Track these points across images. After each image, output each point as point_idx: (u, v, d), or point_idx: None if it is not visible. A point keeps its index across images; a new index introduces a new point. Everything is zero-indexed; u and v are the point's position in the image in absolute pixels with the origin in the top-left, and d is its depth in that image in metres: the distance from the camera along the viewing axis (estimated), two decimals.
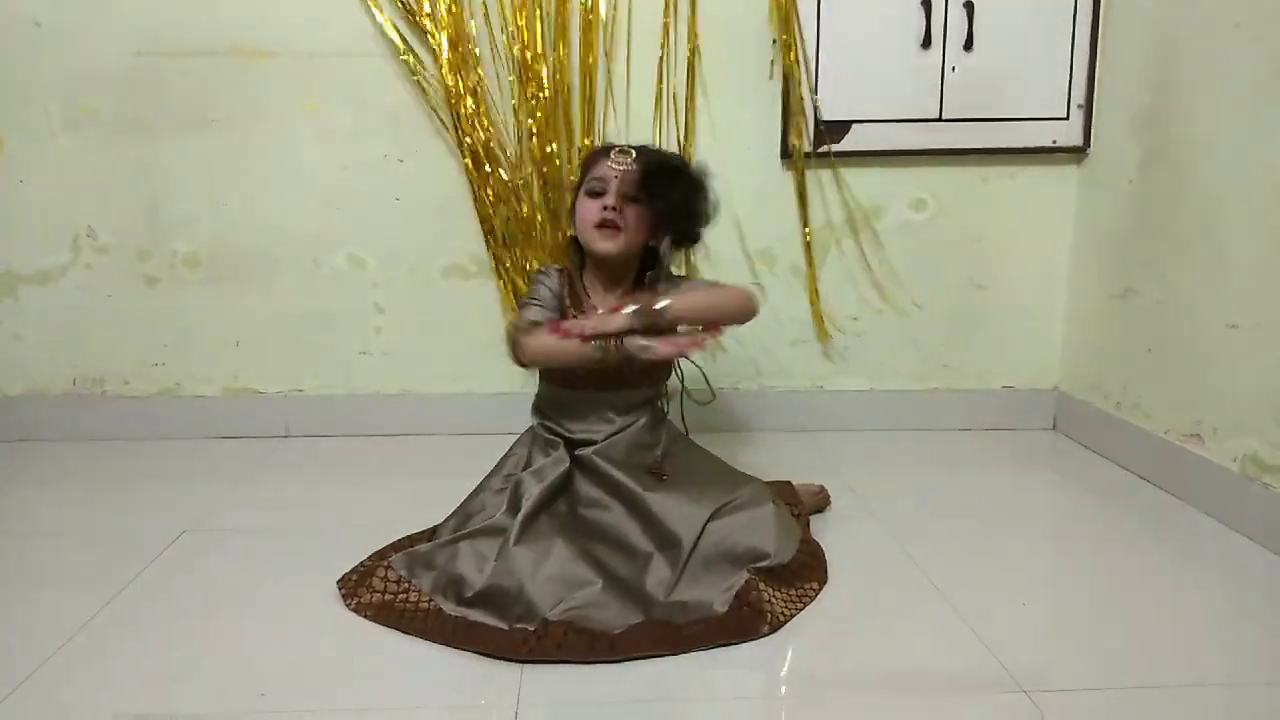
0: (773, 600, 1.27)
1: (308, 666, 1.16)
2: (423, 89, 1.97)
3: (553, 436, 1.48)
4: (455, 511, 1.47)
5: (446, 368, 2.12)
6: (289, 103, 1.99)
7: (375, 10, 1.95)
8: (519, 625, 1.20)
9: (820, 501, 1.65)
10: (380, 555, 1.41)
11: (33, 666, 1.15)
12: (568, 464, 1.42)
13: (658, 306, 1.33)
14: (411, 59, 1.96)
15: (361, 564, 1.39)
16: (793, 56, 1.95)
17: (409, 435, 2.11)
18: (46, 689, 1.11)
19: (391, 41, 1.96)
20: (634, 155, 1.44)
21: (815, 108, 1.99)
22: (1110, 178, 1.97)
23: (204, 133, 2.00)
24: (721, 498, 1.37)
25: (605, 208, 1.43)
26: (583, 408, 1.47)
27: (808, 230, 2.06)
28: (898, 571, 1.43)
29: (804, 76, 1.97)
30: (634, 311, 1.32)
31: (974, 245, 2.10)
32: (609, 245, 1.44)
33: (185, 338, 2.09)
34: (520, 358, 1.41)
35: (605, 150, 1.48)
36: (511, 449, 1.52)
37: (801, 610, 1.29)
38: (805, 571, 1.35)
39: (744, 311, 1.43)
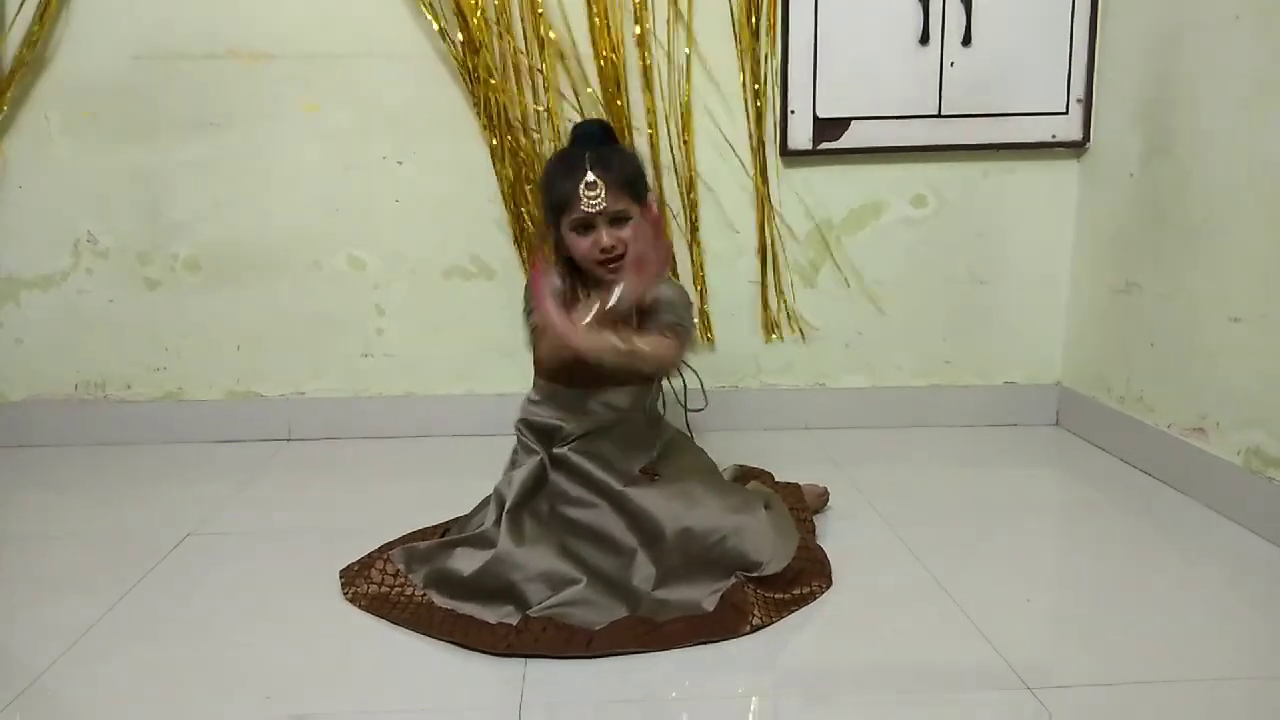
0: (758, 600, 1.27)
1: (313, 669, 1.17)
2: (428, 87, 1.97)
3: (530, 441, 1.44)
4: (460, 519, 1.50)
5: (449, 369, 2.11)
6: (288, 104, 1.99)
7: (378, 8, 1.95)
8: (504, 621, 1.22)
9: (821, 502, 1.64)
10: (386, 547, 1.42)
11: (38, 671, 1.15)
12: (539, 455, 1.41)
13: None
14: (423, 58, 1.96)
15: (365, 555, 1.41)
16: (754, 53, 1.96)
17: (412, 437, 2.11)
18: (52, 693, 1.11)
19: (394, 39, 1.96)
20: (601, 188, 1.33)
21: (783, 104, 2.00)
22: (1111, 171, 1.96)
23: (203, 135, 2.00)
24: (710, 500, 1.36)
25: (604, 249, 1.35)
26: (575, 404, 1.46)
27: (800, 228, 2.06)
28: (900, 568, 1.43)
29: (771, 73, 1.98)
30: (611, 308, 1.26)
31: (975, 241, 2.10)
32: (636, 277, 1.28)
33: (187, 341, 2.08)
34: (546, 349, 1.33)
35: (567, 174, 1.36)
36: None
37: (794, 612, 1.28)
38: (803, 577, 1.33)
39: (662, 365, 1.39)
